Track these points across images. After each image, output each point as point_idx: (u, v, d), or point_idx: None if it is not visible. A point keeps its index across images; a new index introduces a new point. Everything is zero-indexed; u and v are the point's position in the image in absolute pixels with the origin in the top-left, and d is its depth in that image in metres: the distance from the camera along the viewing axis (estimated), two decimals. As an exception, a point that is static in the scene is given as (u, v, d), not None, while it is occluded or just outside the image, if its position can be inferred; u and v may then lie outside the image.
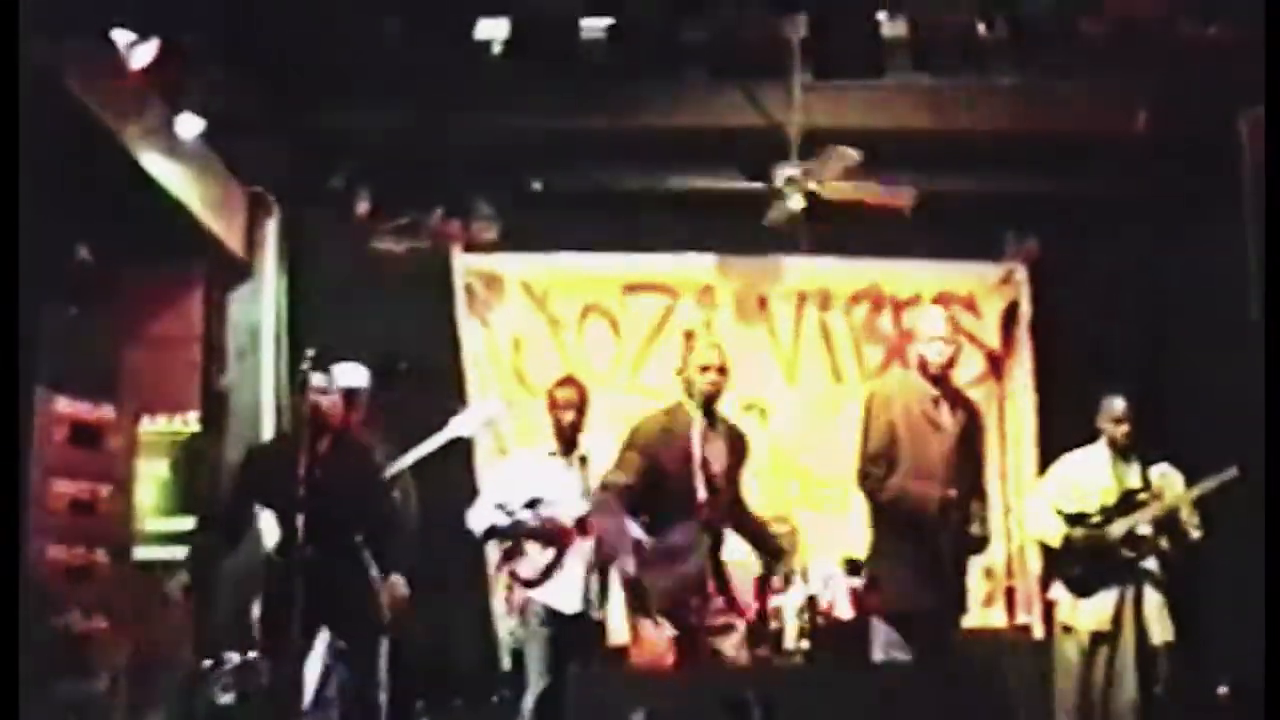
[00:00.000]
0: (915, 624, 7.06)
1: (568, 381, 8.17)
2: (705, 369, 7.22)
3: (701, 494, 6.95)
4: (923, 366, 7.34)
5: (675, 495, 7.05)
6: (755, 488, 8.13)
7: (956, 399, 7.40)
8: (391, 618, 7.21)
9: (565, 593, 7.69)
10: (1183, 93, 8.19)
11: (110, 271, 8.72)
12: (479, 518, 7.90)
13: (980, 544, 7.31)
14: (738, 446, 7.43)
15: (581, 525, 7.68)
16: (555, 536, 7.73)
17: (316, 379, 6.91)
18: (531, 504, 7.82)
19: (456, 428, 7.42)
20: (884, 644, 7.15)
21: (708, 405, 7.17)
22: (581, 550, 7.70)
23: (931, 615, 7.09)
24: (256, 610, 7.18)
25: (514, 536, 7.85)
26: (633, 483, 7.11)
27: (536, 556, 7.76)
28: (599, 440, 8.10)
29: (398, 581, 7.33)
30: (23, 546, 7.76)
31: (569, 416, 7.89)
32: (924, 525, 7.04)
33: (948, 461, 7.16)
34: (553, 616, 7.67)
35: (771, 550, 7.78)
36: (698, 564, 6.96)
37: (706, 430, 7.11)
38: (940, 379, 7.31)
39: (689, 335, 7.63)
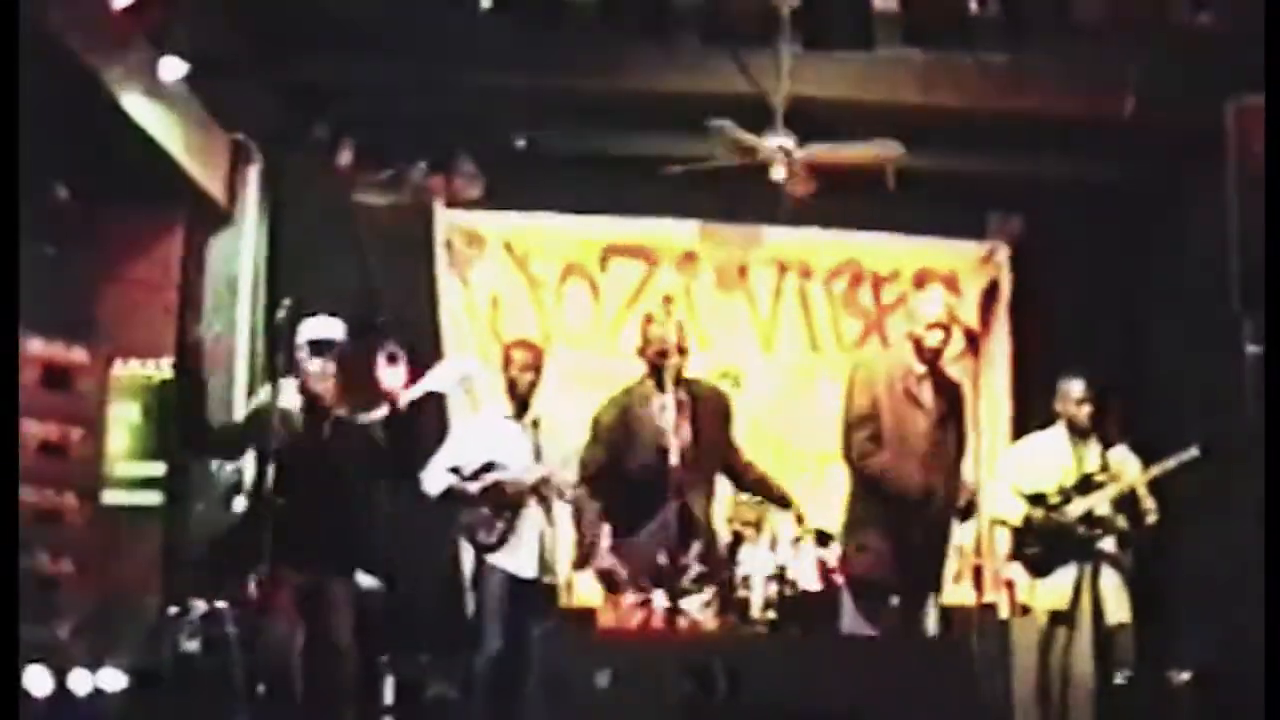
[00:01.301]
0: (887, 598, 7.09)
1: (523, 344, 8.17)
2: (663, 354, 7.20)
3: (673, 467, 6.93)
4: (917, 347, 7.36)
5: (647, 475, 7.07)
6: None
7: (942, 381, 7.42)
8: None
9: (520, 558, 7.71)
10: (1171, 78, 8.16)
11: (88, 213, 8.66)
12: (433, 480, 7.91)
13: (965, 514, 7.36)
14: (717, 407, 7.42)
15: (534, 490, 7.70)
16: (507, 502, 7.74)
17: (313, 364, 6.97)
18: (485, 469, 7.82)
19: (430, 382, 7.39)
20: (852, 615, 7.17)
21: (675, 378, 7.16)
22: (534, 516, 7.72)
23: (905, 590, 7.12)
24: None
25: (468, 501, 7.85)
26: (598, 476, 7.16)
27: (491, 521, 7.77)
28: (564, 403, 8.11)
29: None
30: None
31: (525, 378, 7.89)
32: (906, 503, 7.07)
33: (929, 439, 7.19)
34: (509, 580, 7.69)
35: (778, 499, 7.87)
36: (671, 541, 6.96)
37: (676, 401, 7.10)
38: (930, 360, 7.34)
39: (648, 319, 7.61)
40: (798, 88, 8.35)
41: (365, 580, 7.48)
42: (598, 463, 7.28)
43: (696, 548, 7.21)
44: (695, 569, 7.18)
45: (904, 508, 7.12)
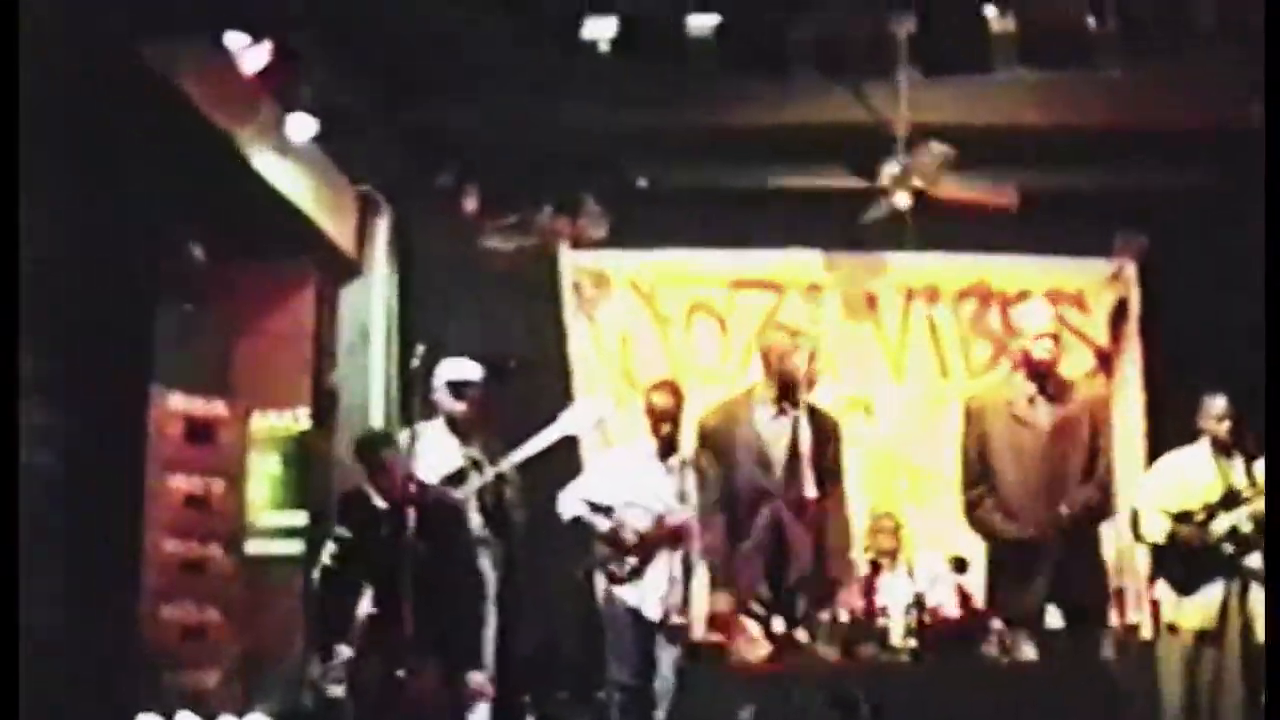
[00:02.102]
0: (1043, 622, 6.98)
1: (663, 386, 8.20)
2: (791, 384, 7.19)
3: (776, 481, 6.91)
4: (1027, 363, 7.27)
5: (748, 487, 7.04)
6: (862, 483, 8.08)
7: (1059, 392, 7.30)
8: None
9: (648, 597, 7.73)
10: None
11: (223, 270, 8.83)
12: (567, 505, 7.96)
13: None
14: (831, 432, 7.38)
15: (671, 534, 7.71)
16: (641, 543, 7.77)
17: (456, 406, 7.03)
18: (621, 507, 7.86)
19: (565, 425, 7.43)
20: (1012, 642, 7.09)
21: (785, 391, 7.12)
22: (666, 560, 7.73)
23: (1064, 614, 6.99)
24: (366, 605, 7.23)
25: (602, 537, 7.90)
26: (714, 482, 7.12)
27: (623, 556, 7.81)
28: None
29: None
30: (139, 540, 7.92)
31: (665, 425, 7.91)
32: (1051, 550, 6.98)
33: (1046, 459, 7.09)
34: (637, 616, 7.71)
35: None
36: (765, 552, 6.92)
37: (793, 419, 7.07)
38: (1044, 375, 7.24)
39: (767, 350, 7.59)
40: (917, 114, 8.33)
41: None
42: (709, 465, 7.22)
43: (796, 571, 7.11)
44: (799, 597, 7.10)
45: (1035, 557, 7.02)
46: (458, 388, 7.21)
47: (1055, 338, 7.33)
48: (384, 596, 6.83)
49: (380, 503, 7.04)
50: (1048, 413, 7.22)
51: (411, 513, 6.91)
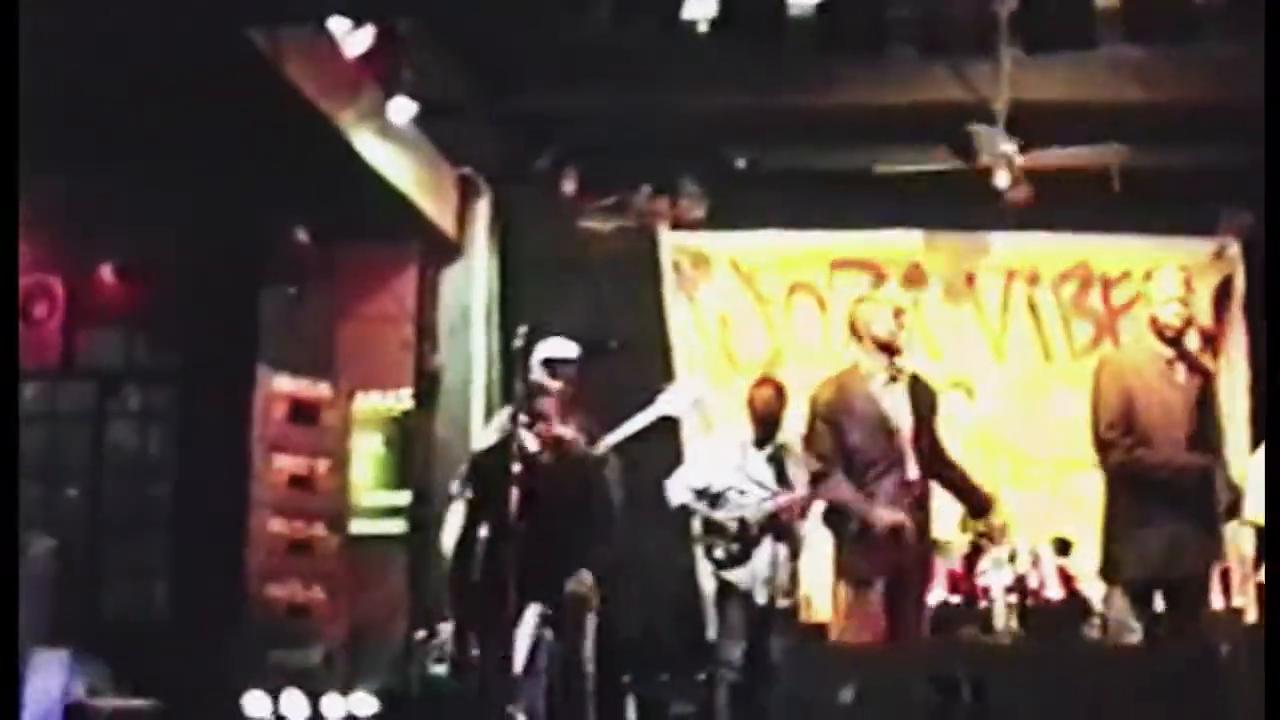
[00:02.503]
0: (1152, 601, 6.87)
1: (765, 382, 8.23)
2: (890, 349, 7.15)
3: (899, 448, 6.87)
4: (1157, 329, 7.14)
5: (866, 459, 7.00)
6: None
7: (1192, 362, 7.17)
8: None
9: (756, 578, 7.75)
10: None
11: (326, 253, 8.93)
12: (674, 493, 8.01)
13: (1232, 510, 7.11)
14: (924, 398, 7.32)
15: (771, 521, 7.73)
16: (744, 530, 7.80)
17: (551, 384, 7.03)
18: (724, 493, 7.89)
19: (663, 406, 7.43)
20: (1117, 620, 6.99)
21: (889, 355, 7.09)
22: (769, 547, 7.75)
23: (1172, 592, 6.88)
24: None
25: (706, 525, 7.93)
26: (829, 454, 7.08)
27: (726, 543, 7.84)
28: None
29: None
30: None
31: (768, 417, 7.95)
32: (1182, 492, 6.82)
33: (1190, 420, 6.95)
34: (746, 598, 7.74)
35: (978, 501, 7.53)
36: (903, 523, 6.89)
37: (886, 387, 7.04)
38: (1175, 341, 7.09)
39: (859, 300, 7.54)
40: (1018, 92, 8.26)
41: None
42: (826, 438, 7.17)
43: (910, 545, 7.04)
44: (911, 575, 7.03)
45: (1180, 497, 6.83)
46: (554, 366, 7.20)
47: (1184, 303, 7.15)
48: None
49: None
50: (1187, 380, 7.06)
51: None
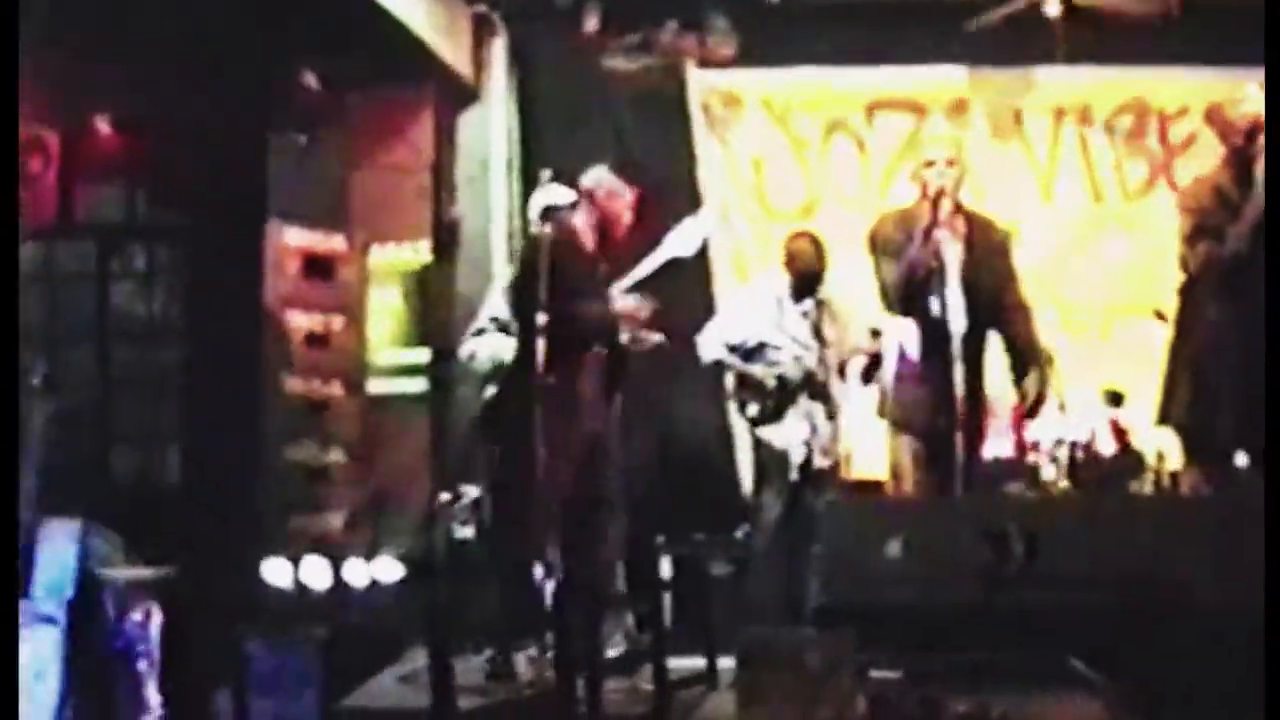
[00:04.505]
0: (1231, 455, 6.88)
1: (802, 235, 8.26)
2: (931, 163, 7.15)
3: (954, 298, 6.87)
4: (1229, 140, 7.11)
5: (922, 299, 7.02)
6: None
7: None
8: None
9: (789, 438, 7.84)
10: None
11: (337, 98, 8.91)
12: (707, 348, 8.08)
13: None
14: (993, 241, 7.32)
15: (809, 379, 7.80)
16: (777, 389, 7.87)
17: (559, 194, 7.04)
18: (759, 348, 7.95)
19: (669, 248, 7.43)
20: (1191, 477, 7.04)
21: (946, 201, 7.07)
22: (806, 405, 7.83)
23: (1254, 444, 6.86)
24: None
25: (741, 381, 8.00)
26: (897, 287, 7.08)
27: (762, 400, 7.92)
28: (844, 269, 8.15)
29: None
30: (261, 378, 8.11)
31: (806, 271, 7.99)
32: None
33: None
34: (780, 456, 7.84)
35: (1035, 358, 7.45)
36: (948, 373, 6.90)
37: (948, 227, 7.02)
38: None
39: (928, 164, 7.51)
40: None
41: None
42: (890, 273, 7.17)
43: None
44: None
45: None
46: (546, 214, 7.21)
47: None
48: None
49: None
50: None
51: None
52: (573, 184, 7.15)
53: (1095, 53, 9.57)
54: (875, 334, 7.77)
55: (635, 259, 7.37)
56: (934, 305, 7.01)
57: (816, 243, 8.21)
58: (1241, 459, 6.96)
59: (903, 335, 7.25)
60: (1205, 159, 7.82)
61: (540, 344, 6.60)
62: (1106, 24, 8.84)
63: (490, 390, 7.31)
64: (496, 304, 7.62)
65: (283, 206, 8.31)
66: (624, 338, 7.13)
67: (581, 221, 7.25)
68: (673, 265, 7.38)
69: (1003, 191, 9.58)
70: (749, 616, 7.49)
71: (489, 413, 7.26)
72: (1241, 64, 9.61)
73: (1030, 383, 7.33)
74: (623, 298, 7.15)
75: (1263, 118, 6.99)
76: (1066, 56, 9.48)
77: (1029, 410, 7.47)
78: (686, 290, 8.15)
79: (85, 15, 7.75)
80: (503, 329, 7.53)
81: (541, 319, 6.60)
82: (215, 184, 8.30)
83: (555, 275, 6.78)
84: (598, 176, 7.35)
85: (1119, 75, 9.99)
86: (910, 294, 7.10)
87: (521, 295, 6.97)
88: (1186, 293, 7.21)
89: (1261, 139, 6.92)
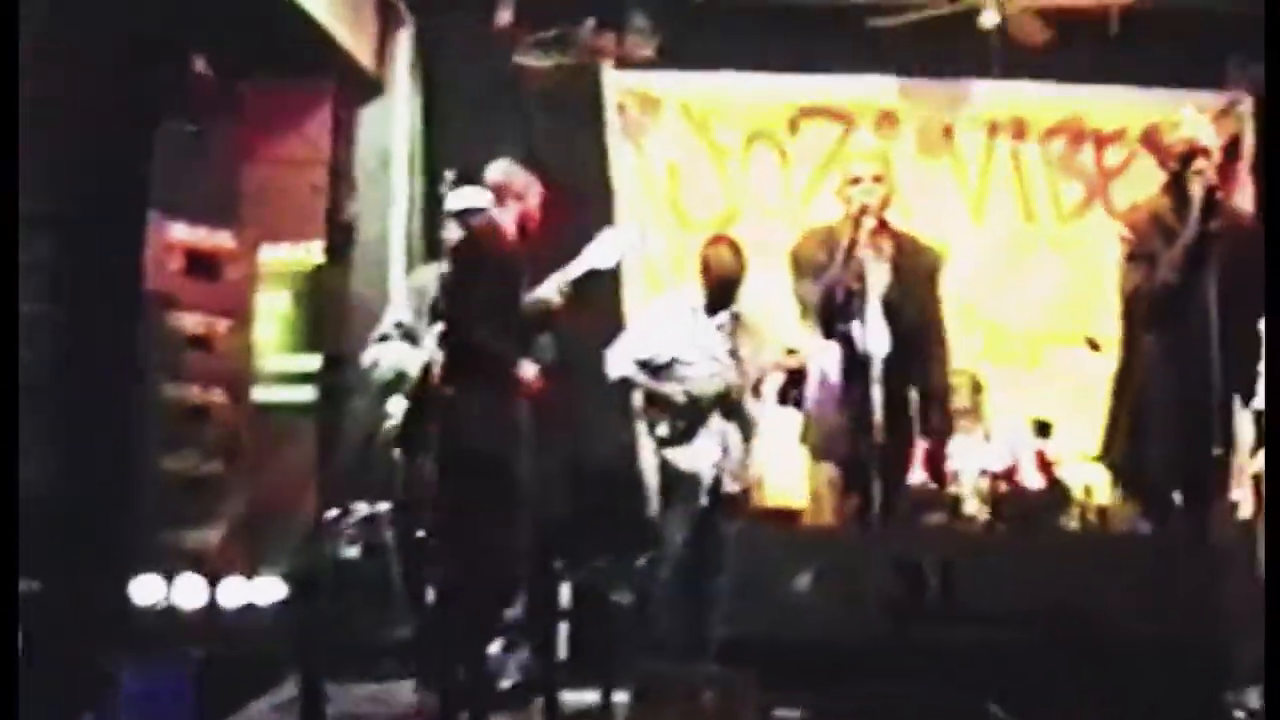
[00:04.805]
0: (1169, 494, 6.92)
1: (721, 240, 8.24)
2: (856, 180, 7.15)
3: (874, 321, 6.87)
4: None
5: (844, 321, 7.01)
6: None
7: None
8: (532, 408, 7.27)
9: (698, 460, 7.82)
10: None
11: (230, 87, 8.80)
12: (615, 364, 8.04)
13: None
14: (919, 263, 7.32)
15: (722, 397, 7.78)
16: (688, 407, 7.85)
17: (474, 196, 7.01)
18: (670, 364, 7.93)
19: (589, 259, 7.42)
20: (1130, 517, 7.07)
21: (870, 219, 7.07)
22: (719, 426, 7.81)
23: (1191, 483, 6.89)
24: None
25: (650, 399, 7.97)
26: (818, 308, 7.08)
27: (671, 419, 7.90)
28: (761, 284, 8.13)
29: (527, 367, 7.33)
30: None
31: (724, 279, 7.97)
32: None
33: None
34: (689, 480, 7.82)
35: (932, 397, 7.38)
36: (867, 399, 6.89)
37: (876, 248, 7.03)
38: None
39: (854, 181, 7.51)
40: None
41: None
42: (812, 296, 7.16)
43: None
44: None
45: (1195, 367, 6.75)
46: (463, 216, 7.19)
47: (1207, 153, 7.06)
48: None
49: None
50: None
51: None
52: (478, 180, 7.12)
53: (1031, 67, 9.63)
54: (792, 352, 7.76)
55: (548, 258, 7.37)
56: (855, 327, 7.01)
57: (735, 248, 8.18)
58: (1177, 496, 7.01)
59: (824, 358, 7.23)
60: (1142, 182, 7.85)
61: (462, 352, 6.60)
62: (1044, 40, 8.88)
63: (399, 402, 7.27)
64: (401, 308, 7.57)
65: (167, 199, 8.16)
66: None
67: (507, 218, 7.22)
68: (588, 277, 7.37)
69: (931, 209, 9.62)
70: (650, 649, 7.47)
71: (408, 425, 7.22)
72: (1179, 85, 9.81)
73: (933, 422, 7.35)
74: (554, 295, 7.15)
75: (1198, 142, 7.05)
76: (1001, 71, 9.53)
77: (929, 452, 7.51)
78: (595, 302, 8.10)
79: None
80: (408, 335, 7.49)
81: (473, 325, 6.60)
82: (94, 173, 8.16)
83: (490, 276, 6.79)
84: (507, 169, 7.32)
85: (1055, 92, 10.08)
86: (831, 315, 7.10)
87: (456, 298, 6.91)
88: (1126, 321, 7.25)
89: (1197, 163, 6.96)
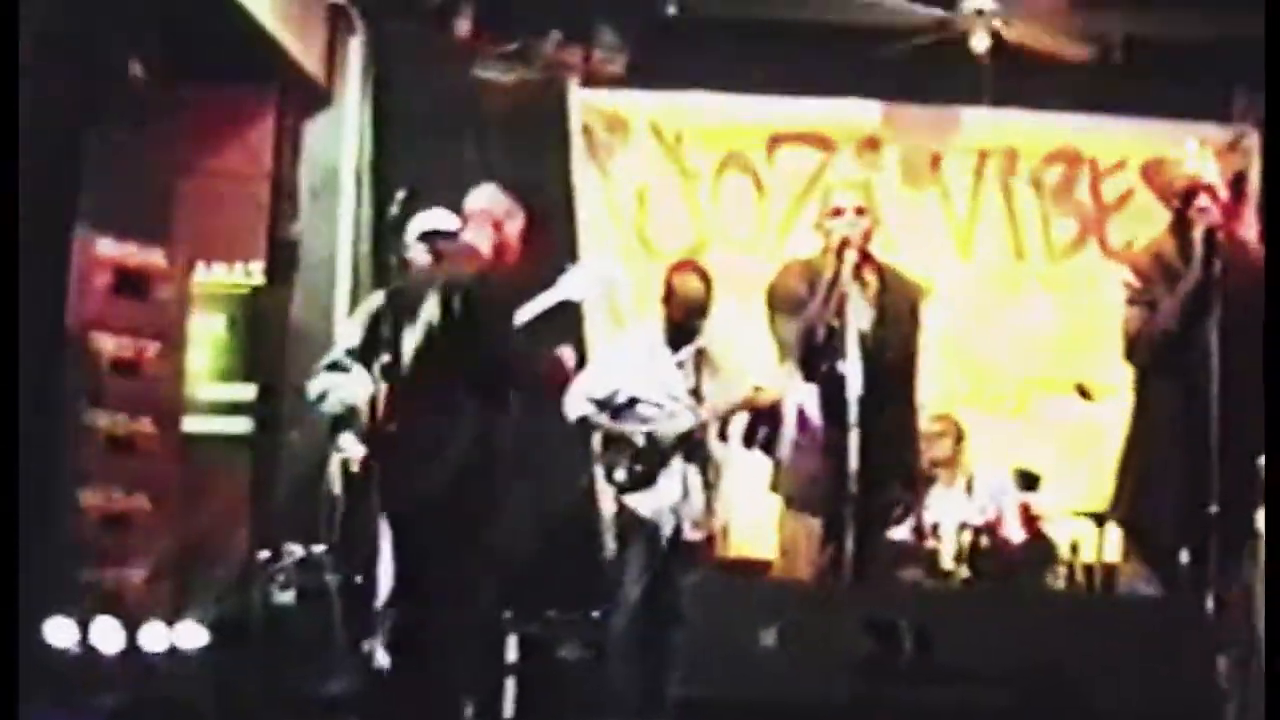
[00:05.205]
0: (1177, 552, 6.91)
1: (687, 266, 8.22)
2: (838, 212, 7.13)
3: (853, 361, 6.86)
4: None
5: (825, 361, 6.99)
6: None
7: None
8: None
9: (657, 505, 7.82)
10: None
11: (166, 93, 8.78)
12: (573, 404, 8.03)
13: None
14: (902, 303, 7.29)
15: (684, 440, 7.78)
16: (648, 449, 7.84)
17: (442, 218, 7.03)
18: (631, 403, 7.92)
19: (564, 290, 7.42)
20: (1131, 576, 7.06)
21: (852, 253, 7.05)
22: (680, 470, 7.80)
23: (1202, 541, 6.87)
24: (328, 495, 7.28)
25: (608, 439, 7.96)
26: (796, 347, 7.06)
27: (630, 462, 7.89)
28: (725, 321, 8.12)
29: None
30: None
31: (690, 310, 7.96)
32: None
33: None
34: (651, 526, 7.81)
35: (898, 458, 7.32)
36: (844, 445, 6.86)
37: (855, 283, 7.01)
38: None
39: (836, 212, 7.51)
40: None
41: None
42: (792, 333, 7.14)
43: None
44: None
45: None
46: (433, 241, 7.19)
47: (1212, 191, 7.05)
48: None
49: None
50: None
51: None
52: (454, 204, 7.14)
53: (1025, 94, 9.67)
54: (759, 389, 7.75)
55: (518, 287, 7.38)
56: (836, 368, 6.99)
57: (703, 275, 8.15)
58: (1185, 556, 6.98)
59: (802, 400, 7.21)
60: (1142, 219, 7.86)
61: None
62: (1040, 63, 8.90)
63: (349, 437, 7.25)
64: (352, 334, 7.55)
65: (94, 213, 8.14)
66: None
67: (484, 246, 7.20)
68: (558, 309, 7.37)
69: (915, 244, 9.62)
70: (602, 708, 7.44)
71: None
72: (1183, 116, 9.85)
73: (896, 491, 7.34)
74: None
75: (1202, 179, 7.05)
76: (993, 97, 9.56)
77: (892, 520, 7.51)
78: (555, 337, 8.10)
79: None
80: (363, 364, 7.46)
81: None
82: (16, 182, 8.12)
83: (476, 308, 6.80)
84: (491, 195, 7.30)
85: (1050, 121, 10.12)
86: (810, 355, 7.08)
87: (449, 329, 6.90)
88: (1135, 368, 7.25)
89: (1200, 200, 6.96)
